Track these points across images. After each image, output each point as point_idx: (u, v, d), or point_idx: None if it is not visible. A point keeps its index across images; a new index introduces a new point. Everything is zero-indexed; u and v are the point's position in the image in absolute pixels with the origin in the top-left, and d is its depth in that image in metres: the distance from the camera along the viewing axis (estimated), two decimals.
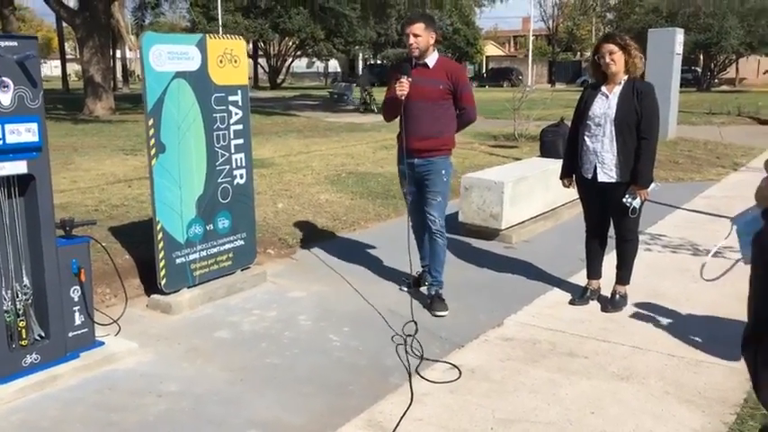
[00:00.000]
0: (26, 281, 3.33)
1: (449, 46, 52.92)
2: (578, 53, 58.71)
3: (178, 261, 4.34)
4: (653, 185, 4.17)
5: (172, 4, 31.11)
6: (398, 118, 4.34)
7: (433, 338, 3.97)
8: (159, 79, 4.07)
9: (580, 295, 4.51)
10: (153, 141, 4.10)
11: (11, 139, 3.06)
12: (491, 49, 62.93)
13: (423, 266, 4.80)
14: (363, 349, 3.81)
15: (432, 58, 4.29)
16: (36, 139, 3.17)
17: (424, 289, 4.72)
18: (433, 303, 4.40)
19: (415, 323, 4.06)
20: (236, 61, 4.54)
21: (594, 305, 4.46)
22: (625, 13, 39.94)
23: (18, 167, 3.14)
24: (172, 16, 44.90)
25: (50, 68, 62.52)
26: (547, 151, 6.94)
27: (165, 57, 4.07)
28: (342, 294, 4.75)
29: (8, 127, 3.05)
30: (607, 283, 4.54)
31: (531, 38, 44.29)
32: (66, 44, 37.32)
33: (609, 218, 4.41)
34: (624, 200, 4.10)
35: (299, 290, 4.81)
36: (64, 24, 27.62)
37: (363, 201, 7.24)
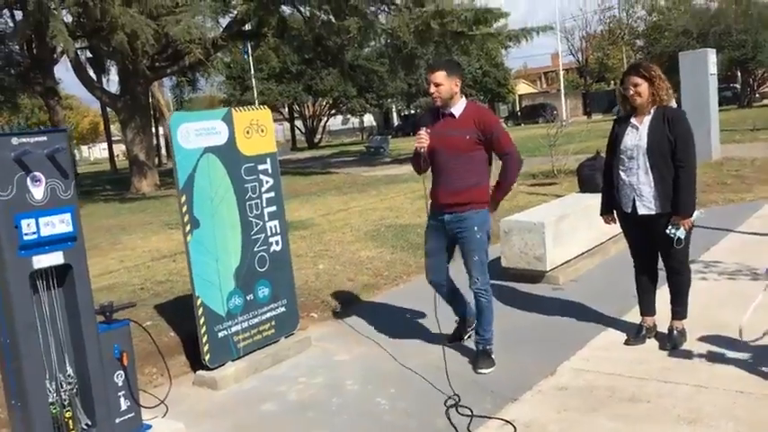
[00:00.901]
0: (69, 370, 3.34)
1: (480, 89, 53.30)
2: (611, 82, 58.34)
3: (220, 334, 4.33)
4: (697, 213, 4.01)
5: (207, 78, 32.15)
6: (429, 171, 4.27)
7: (484, 393, 3.82)
8: (189, 156, 4.14)
9: (635, 334, 4.31)
10: (187, 218, 4.14)
11: (46, 231, 3.11)
12: (523, 88, 63.11)
13: (457, 320, 4.67)
14: (412, 411, 3.69)
15: (458, 107, 4.08)
16: (70, 229, 3.22)
17: (470, 342, 4.57)
18: (479, 360, 4.20)
19: (454, 391, 3.93)
20: (262, 131, 4.59)
21: (652, 343, 4.26)
22: (655, 38, 39.64)
23: (55, 258, 3.19)
24: (209, 89, 46.51)
25: (99, 151, 65.19)
26: (585, 186, 6.80)
27: (193, 134, 4.15)
28: (387, 354, 4.64)
29: (42, 220, 3.10)
30: (662, 318, 4.34)
31: (562, 72, 44.14)
32: (112, 126, 38.88)
33: (656, 250, 4.24)
34: (668, 231, 3.94)
35: (344, 353, 4.73)
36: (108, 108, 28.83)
37: (404, 254, 7.17)
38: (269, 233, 4.65)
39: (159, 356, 4.53)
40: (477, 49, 19.16)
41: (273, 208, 4.68)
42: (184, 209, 4.13)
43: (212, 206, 4.28)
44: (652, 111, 4.02)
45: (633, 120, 4.08)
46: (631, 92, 3.97)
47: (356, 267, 6.71)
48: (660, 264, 4.26)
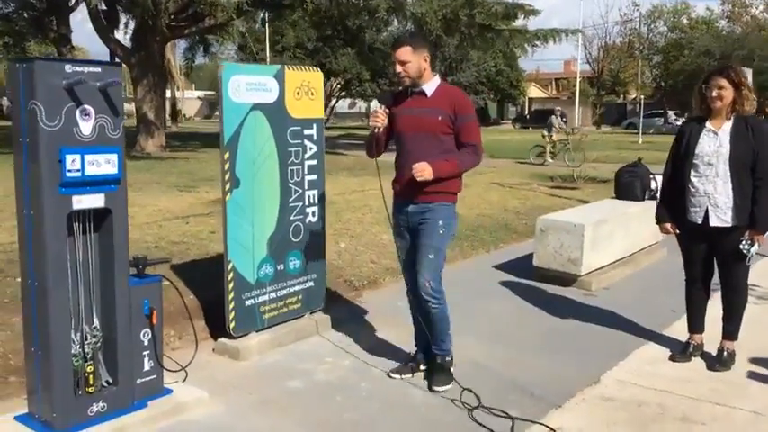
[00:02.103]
0: (96, 322, 3.10)
1: (492, 87, 53.00)
2: (622, 96, 58.20)
3: (248, 303, 4.09)
4: None
5: (222, 45, 31.60)
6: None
7: (524, 395, 3.61)
8: (237, 111, 3.88)
9: (682, 351, 4.11)
10: (228, 176, 3.89)
11: (90, 170, 2.87)
12: (534, 91, 62.82)
13: (413, 353, 3.92)
14: (447, 405, 3.47)
15: (430, 85, 3.56)
16: (115, 170, 2.97)
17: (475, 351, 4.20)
18: (435, 375, 3.66)
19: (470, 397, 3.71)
20: (312, 93, 4.34)
21: (698, 362, 4.05)
22: (674, 56, 39.46)
23: (96, 201, 2.94)
24: (220, 58, 45.92)
25: None
26: (623, 193, 6.58)
27: (244, 88, 3.90)
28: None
29: (88, 158, 2.85)
30: (708, 337, 4.14)
31: (578, 79, 43.91)
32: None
33: (713, 266, 4.02)
34: (741, 246, 3.72)
35: (372, 336, 4.51)
36: None
37: None
38: (306, 202, 4.40)
39: (177, 318, 4.32)
40: (502, 44, 18.81)
41: (314, 177, 4.43)
42: (226, 166, 3.88)
43: (254, 167, 4.03)
44: (732, 118, 3.79)
45: (709, 124, 3.85)
46: (714, 93, 3.74)
47: (378, 250, 6.48)
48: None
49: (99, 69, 2.89)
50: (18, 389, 3.49)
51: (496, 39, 17.74)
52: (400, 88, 3.67)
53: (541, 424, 3.26)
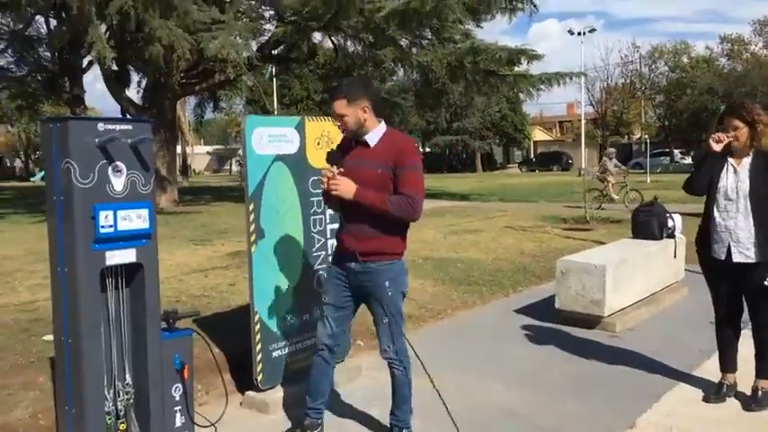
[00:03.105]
0: (128, 378, 3.09)
1: (497, 132, 53.51)
2: (626, 136, 58.57)
3: (275, 354, 4.07)
4: None
5: (230, 100, 32.25)
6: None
7: None
8: (260, 162, 3.94)
9: (716, 392, 4.03)
10: (253, 227, 3.92)
11: (122, 225, 2.90)
12: (538, 134, 63.36)
13: (309, 408, 3.61)
14: None
15: (373, 134, 3.28)
16: (147, 225, 3.01)
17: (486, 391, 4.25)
18: None
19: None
20: (332, 143, 4.40)
21: (733, 403, 3.98)
22: (676, 95, 39.84)
23: (128, 256, 2.97)
24: (228, 112, 46.74)
25: None
26: (641, 232, 6.56)
27: (266, 139, 3.96)
28: (445, 390, 4.35)
29: (120, 213, 2.89)
30: (741, 375, 4.07)
31: (583, 121, 44.27)
32: None
33: (742, 303, 3.99)
34: (766, 282, 3.69)
35: None
36: None
37: (446, 287, 6.92)
38: (329, 252, 4.41)
39: (204, 372, 4.28)
40: (507, 89, 19.06)
41: (336, 225, 4.45)
42: (251, 217, 3.91)
43: (278, 218, 4.06)
44: (751, 153, 3.81)
45: (731, 160, 3.86)
46: (732, 134, 3.76)
47: None
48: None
49: (130, 127, 2.96)
50: None
51: (501, 84, 17.99)
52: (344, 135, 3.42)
53: None
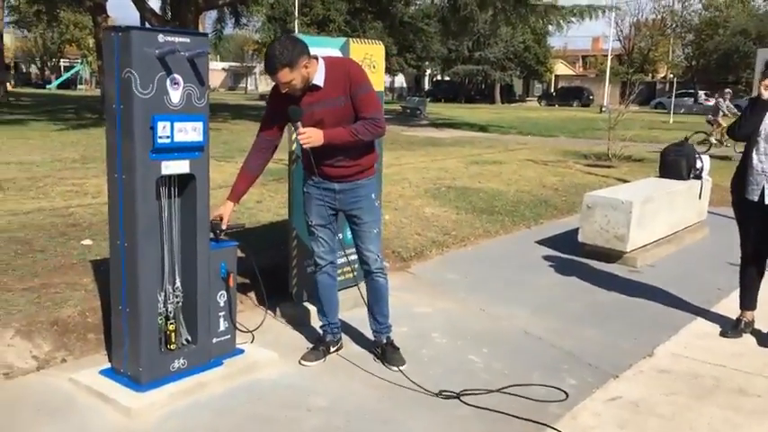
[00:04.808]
0: (178, 283, 3.25)
1: (518, 63, 52.46)
2: (650, 74, 57.31)
3: (309, 269, 4.22)
4: None
5: (250, 16, 31.62)
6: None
7: (581, 366, 3.71)
8: None
9: (733, 327, 4.18)
10: (294, 145, 3.99)
11: (178, 137, 2.99)
12: (561, 68, 62.07)
13: (327, 324, 3.74)
14: (509, 373, 3.59)
15: (319, 74, 3.25)
16: (200, 138, 3.10)
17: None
18: (387, 354, 3.62)
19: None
20: (374, 66, 4.42)
21: (749, 339, 4.13)
22: (707, 34, 38.70)
23: (182, 167, 3.07)
24: (247, 30, 45.89)
25: None
26: (669, 172, 6.59)
27: None
28: (470, 312, 4.55)
29: (177, 125, 2.98)
30: (759, 315, 4.21)
31: (610, 57, 43.29)
32: None
33: None
34: None
35: (425, 305, 4.64)
36: None
37: (469, 216, 7.04)
38: None
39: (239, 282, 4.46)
40: (537, 20, 18.61)
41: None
42: (294, 135, 3.98)
43: None
44: None
45: None
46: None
47: (422, 223, 6.59)
48: None
49: (188, 39, 3.00)
50: (97, 345, 3.67)
51: (531, 14, 17.54)
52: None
53: (603, 393, 3.35)
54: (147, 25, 17.45)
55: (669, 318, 4.50)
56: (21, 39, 55.48)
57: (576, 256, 5.89)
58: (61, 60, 58.36)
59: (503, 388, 3.37)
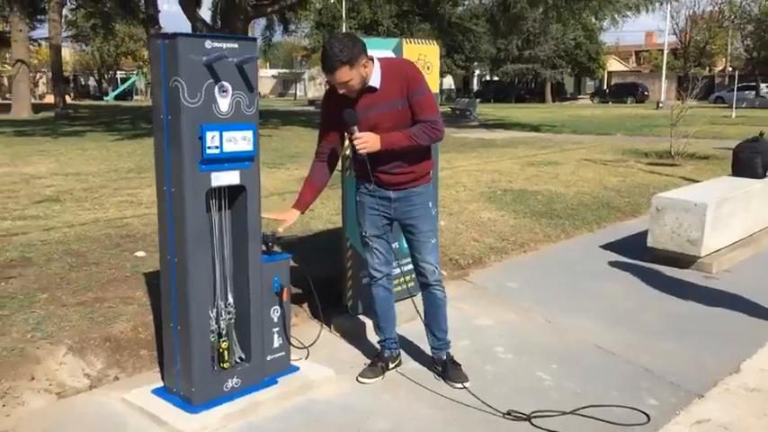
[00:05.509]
0: (230, 299, 3.12)
1: (570, 61, 51.45)
2: (708, 68, 55.42)
3: (364, 281, 4.04)
4: None
5: (299, 23, 31.84)
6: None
7: (662, 384, 3.42)
8: None
9: None
10: (349, 151, 3.82)
11: (228, 147, 2.85)
12: (614, 65, 60.61)
13: (384, 339, 3.57)
14: (582, 393, 3.33)
15: (375, 76, 3.09)
16: (251, 148, 2.95)
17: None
18: (449, 371, 3.41)
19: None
20: (428, 68, 4.22)
21: None
22: None
23: (232, 178, 2.93)
24: (295, 37, 46.30)
25: None
26: (742, 169, 6.18)
27: None
28: (535, 324, 4.29)
29: (226, 134, 2.84)
30: None
31: (666, 51, 42.00)
32: None
33: None
34: None
35: (486, 317, 4.40)
36: None
37: (528, 220, 6.76)
38: None
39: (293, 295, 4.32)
40: (591, 14, 18.07)
41: None
42: (347, 143, 3.81)
43: None
44: None
45: None
46: None
47: (479, 228, 6.34)
48: None
49: (236, 45, 2.86)
50: (149, 362, 3.57)
51: (584, 9, 17.03)
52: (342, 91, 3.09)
53: (686, 415, 3.07)
54: None
55: (753, 329, 4.16)
56: (79, 52, 57.33)
57: (644, 262, 5.56)
58: (118, 72, 60.07)
59: (577, 409, 3.12)
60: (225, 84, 2.84)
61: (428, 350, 3.60)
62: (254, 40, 3.02)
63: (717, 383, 3.39)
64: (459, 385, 3.33)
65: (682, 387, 3.37)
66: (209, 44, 2.76)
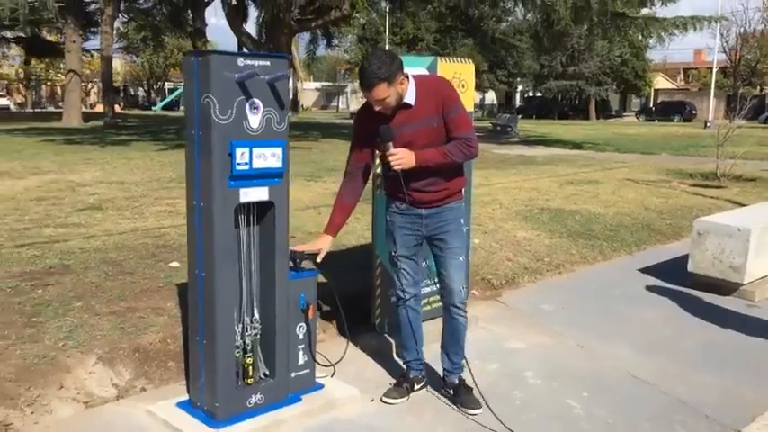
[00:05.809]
0: (256, 314, 3.12)
1: (615, 78, 50.76)
2: (758, 87, 53.99)
3: (392, 299, 4.01)
4: None
5: (342, 38, 32.20)
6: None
7: (696, 417, 3.30)
8: None
9: None
10: (380, 168, 3.81)
11: (257, 163, 2.87)
12: (661, 82, 59.57)
13: (410, 360, 3.52)
14: (614, 423, 3.23)
15: (410, 93, 3.09)
16: (280, 164, 2.96)
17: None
18: (461, 396, 3.34)
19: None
20: (463, 86, 4.19)
21: None
22: None
23: (261, 194, 2.95)
24: (338, 51, 46.82)
25: None
26: None
27: None
28: (567, 349, 4.19)
29: (256, 151, 2.86)
30: None
31: (715, 69, 41.14)
32: None
33: None
34: None
35: (517, 340, 4.32)
36: None
37: (564, 240, 6.64)
38: None
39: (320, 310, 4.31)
40: (636, 33, 17.81)
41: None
42: (377, 160, 3.80)
43: None
44: None
45: None
46: None
47: (514, 247, 6.26)
48: None
49: (268, 63, 2.88)
50: (176, 374, 3.59)
51: (630, 27, 16.80)
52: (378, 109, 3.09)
53: None
54: (244, 49, 18.02)
55: None
56: (129, 63, 58.91)
57: (684, 287, 5.39)
58: (166, 83, 61.54)
59: None
60: (256, 101, 2.86)
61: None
62: (286, 57, 3.04)
63: (755, 418, 3.26)
64: (473, 412, 3.25)
65: (718, 421, 3.25)
66: (241, 62, 2.79)
